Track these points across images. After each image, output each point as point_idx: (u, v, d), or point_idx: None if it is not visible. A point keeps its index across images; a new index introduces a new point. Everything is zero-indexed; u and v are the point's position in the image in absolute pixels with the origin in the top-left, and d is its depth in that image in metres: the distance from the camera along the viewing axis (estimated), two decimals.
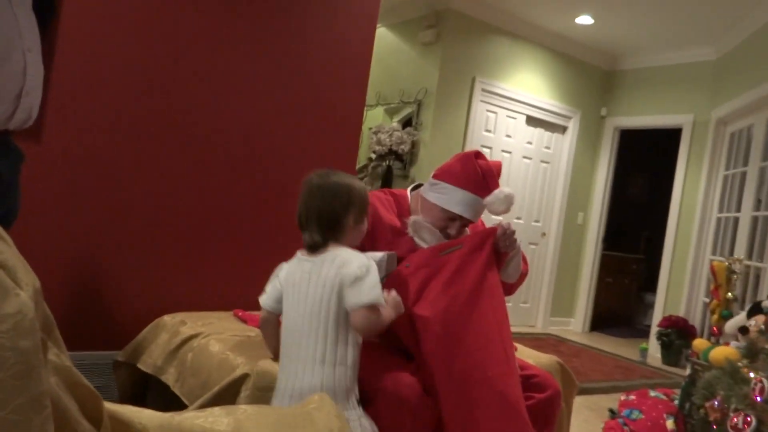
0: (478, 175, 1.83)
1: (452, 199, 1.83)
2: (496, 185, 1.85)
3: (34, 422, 0.62)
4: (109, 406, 0.89)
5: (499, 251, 1.80)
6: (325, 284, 1.48)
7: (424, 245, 1.84)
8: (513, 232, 1.78)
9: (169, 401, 1.96)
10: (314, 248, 1.54)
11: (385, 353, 1.75)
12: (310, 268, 1.52)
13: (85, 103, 2.36)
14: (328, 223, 1.52)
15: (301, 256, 1.58)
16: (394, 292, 1.55)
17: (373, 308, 1.45)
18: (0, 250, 0.69)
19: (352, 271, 1.45)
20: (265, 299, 1.62)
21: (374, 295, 1.44)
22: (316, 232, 1.52)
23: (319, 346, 1.46)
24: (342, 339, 1.48)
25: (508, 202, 1.82)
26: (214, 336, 2.02)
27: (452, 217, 1.84)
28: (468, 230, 1.99)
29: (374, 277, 1.46)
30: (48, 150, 2.28)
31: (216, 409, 0.99)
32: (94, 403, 0.80)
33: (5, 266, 0.68)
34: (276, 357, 1.66)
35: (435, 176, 1.90)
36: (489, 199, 1.82)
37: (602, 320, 6.76)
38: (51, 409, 0.66)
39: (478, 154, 1.88)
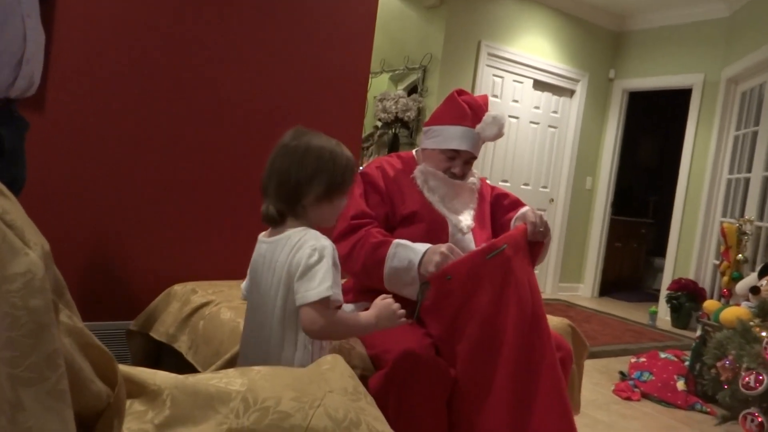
0: (464, 109, 1.89)
1: (446, 137, 1.89)
2: (484, 114, 1.90)
3: (49, 380, 0.62)
4: (123, 368, 0.90)
5: (536, 241, 1.78)
6: (275, 273, 1.28)
7: (433, 197, 1.88)
8: (544, 221, 1.78)
9: (183, 370, 1.97)
10: (271, 223, 1.34)
11: None
12: (266, 251, 1.33)
13: (88, 71, 2.33)
14: (286, 193, 1.30)
15: (261, 237, 1.39)
16: (389, 299, 1.37)
17: (323, 304, 1.21)
18: (7, 210, 0.68)
19: (302, 259, 1.23)
20: (243, 285, 1.46)
21: (323, 289, 1.20)
22: (272, 203, 1.31)
23: (262, 345, 1.29)
24: (289, 340, 1.28)
25: (498, 123, 1.86)
26: (225, 304, 2.03)
27: (451, 156, 1.90)
28: (476, 172, 2.02)
29: (326, 266, 1.23)
30: (51, 120, 2.27)
31: (230, 371, 1.00)
32: (108, 364, 0.80)
33: (13, 226, 0.67)
34: None
35: (426, 124, 1.97)
36: (479, 126, 1.87)
37: (611, 285, 6.77)
38: (65, 368, 0.65)
39: (460, 92, 1.94)
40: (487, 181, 2.15)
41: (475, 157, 1.94)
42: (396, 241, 1.68)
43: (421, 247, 1.64)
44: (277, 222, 1.33)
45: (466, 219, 1.91)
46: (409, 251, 1.64)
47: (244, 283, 1.45)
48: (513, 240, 1.68)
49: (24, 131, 1.61)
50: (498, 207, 2.07)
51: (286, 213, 1.32)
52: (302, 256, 1.24)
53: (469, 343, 1.59)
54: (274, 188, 1.31)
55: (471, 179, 1.99)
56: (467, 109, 1.89)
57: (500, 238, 1.70)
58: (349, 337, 1.45)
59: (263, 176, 1.35)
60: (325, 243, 1.26)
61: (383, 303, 1.34)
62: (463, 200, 1.94)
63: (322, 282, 1.21)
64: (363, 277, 1.77)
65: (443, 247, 1.61)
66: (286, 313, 1.28)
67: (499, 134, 1.88)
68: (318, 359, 1.14)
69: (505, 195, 2.10)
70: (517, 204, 2.06)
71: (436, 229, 1.85)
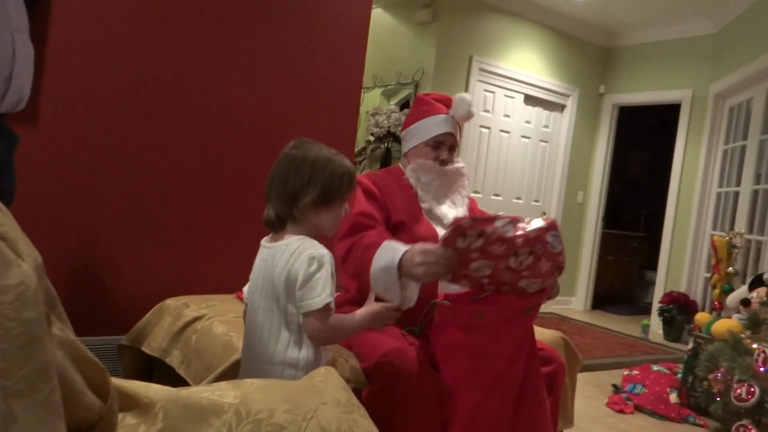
0: (431, 102, 2.00)
1: (425, 129, 1.97)
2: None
3: (41, 392, 0.62)
4: (115, 381, 0.89)
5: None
6: (274, 278, 1.34)
7: (427, 195, 1.92)
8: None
9: (175, 384, 1.95)
10: (272, 227, 1.41)
11: (390, 329, 1.74)
12: (267, 256, 1.39)
13: (81, 84, 2.34)
14: (284, 198, 1.36)
15: (263, 242, 1.45)
16: (383, 304, 1.44)
17: (325, 312, 1.29)
18: (0, 222, 0.68)
19: (301, 268, 1.29)
20: (245, 289, 1.50)
21: (325, 297, 1.27)
22: (272, 207, 1.38)
23: (270, 345, 1.34)
24: (294, 339, 1.34)
25: (466, 101, 1.94)
26: (217, 318, 2.01)
27: (434, 145, 1.96)
28: (459, 160, 2.02)
29: (325, 274, 1.29)
30: (44, 134, 2.27)
31: (223, 384, 0.99)
32: (101, 376, 0.80)
33: (6, 238, 0.67)
34: None
35: (402, 129, 2.08)
36: (451, 110, 1.96)
37: (603, 298, 6.79)
38: (58, 380, 0.65)
39: (425, 94, 2.07)
40: (477, 204, 2.19)
41: (456, 143, 2.00)
42: (385, 242, 1.66)
43: (403, 246, 1.61)
44: (276, 226, 1.39)
45: (459, 214, 1.94)
46: (391, 251, 1.61)
47: (246, 287, 1.49)
48: (539, 301, 1.62)
49: (14, 145, 1.61)
50: None
51: (286, 218, 1.37)
52: (301, 264, 1.29)
53: (475, 377, 1.58)
54: (274, 194, 1.38)
55: (457, 164, 2.01)
56: (434, 102, 1.99)
57: (534, 296, 1.60)
58: (348, 337, 1.46)
59: (266, 183, 1.41)
60: (324, 252, 1.32)
61: (376, 305, 1.43)
62: (456, 189, 2.00)
63: (323, 290, 1.27)
64: (357, 279, 1.77)
65: (418, 247, 1.56)
66: (288, 316, 1.33)
67: (469, 113, 1.95)
68: (311, 372, 1.14)
69: None
70: None
71: (425, 239, 1.86)
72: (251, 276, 1.45)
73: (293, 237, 1.36)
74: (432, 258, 1.50)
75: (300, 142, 1.42)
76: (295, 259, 1.31)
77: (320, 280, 1.28)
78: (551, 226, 1.49)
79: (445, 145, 1.97)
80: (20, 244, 0.70)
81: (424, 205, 1.93)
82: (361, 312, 1.40)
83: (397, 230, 1.87)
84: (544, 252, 1.48)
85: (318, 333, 1.30)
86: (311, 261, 1.29)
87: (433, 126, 1.97)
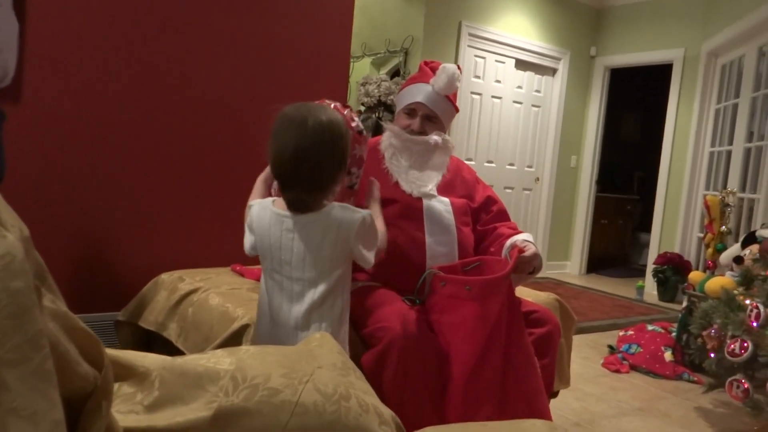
0: (423, 69, 1.98)
1: (404, 96, 1.97)
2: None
3: (33, 360, 0.62)
4: (111, 351, 0.89)
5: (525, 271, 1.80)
6: (321, 245, 1.35)
7: (399, 166, 1.90)
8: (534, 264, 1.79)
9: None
10: (305, 210, 1.37)
11: (388, 294, 1.75)
12: (293, 226, 1.36)
13: (64, 59, 2.30)
14: (320, 187, 1.34)
15: (277, 209, 1.40)
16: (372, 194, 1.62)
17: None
18: None
19: (356, 228, 1.37)
20: (248, 248, 1.51)
21: (381, 235, 1.49)
22: (305, 190, 1.32)
23: (304, 307, 1.38)
24: (330, 296, 1.40)
25: (447, 72, 1.88)
26: (213, 290, 2.02)
27: (408, 112, 1.95)
28: (441, 134, 1.98)
29: (375, 228, 1.46)
30: (29, 109, 2.24)
31: (218, 351, 0.99)
32: (94, 346, 0.80)
33: None
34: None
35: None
36: (432, 80, 1.91)
37: (598, 262, 6.84)
38: (49, 349, 0.65)
39: (428, 62, 2.05)
40: (477, 174, 2.17)
41: (432, 114, 1.93)
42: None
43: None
44: (312, 208, 1.37)
45: (430, 187, 1.91)
46: None
47: (247, 245, 1.51)
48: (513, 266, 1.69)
49: (0, 123, 1.59)
50: (486, 212, 2.07)
51: (321, 199, 1.38)
52: (355, 226, 1.36)
53: (468, 343, 1.60)
54: (305, 181, 1.34)
55: (434, 137, 1.95)
56: (427, 70, 1.95)
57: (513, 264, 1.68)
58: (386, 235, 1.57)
59: (281, 160, 1.34)
60: (364, 212, 1.40)
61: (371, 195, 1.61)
62: (431, 164, 1.94)
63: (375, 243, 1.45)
64: None
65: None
66: (333, 273, 1.39)
67: (450, 84, 1.88)
68: (307, 338, 1.14)
69: (494, 201, 2.09)
70: (503, 215, 2.08)
71: (410, 212, 1.86)
72: (262, 243, 1.43)
73: (325, 207, 1.38)
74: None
75: (307, 110, 1.34)
76: (347, 224, 1.36)
77: (373, 231, 1.42)
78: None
79: (418, 114, 1.92)
80: (4, 215, 0.69)
81: (393, 179, 1.89)
82: (372, 209, 1.54)
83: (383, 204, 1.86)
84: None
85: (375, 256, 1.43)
86: (363, 221, 1.37)
87: (410, 93, 1.94)
